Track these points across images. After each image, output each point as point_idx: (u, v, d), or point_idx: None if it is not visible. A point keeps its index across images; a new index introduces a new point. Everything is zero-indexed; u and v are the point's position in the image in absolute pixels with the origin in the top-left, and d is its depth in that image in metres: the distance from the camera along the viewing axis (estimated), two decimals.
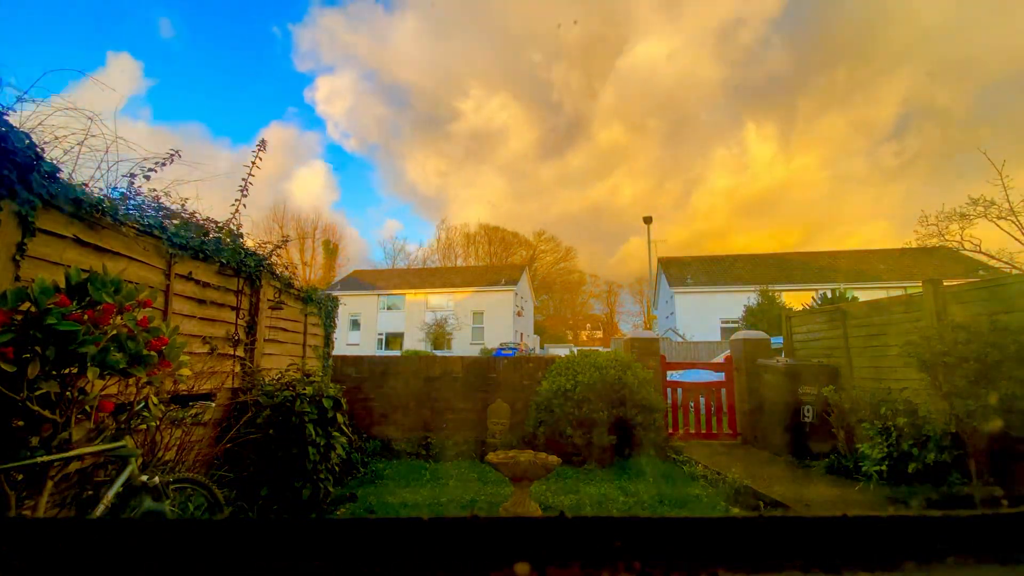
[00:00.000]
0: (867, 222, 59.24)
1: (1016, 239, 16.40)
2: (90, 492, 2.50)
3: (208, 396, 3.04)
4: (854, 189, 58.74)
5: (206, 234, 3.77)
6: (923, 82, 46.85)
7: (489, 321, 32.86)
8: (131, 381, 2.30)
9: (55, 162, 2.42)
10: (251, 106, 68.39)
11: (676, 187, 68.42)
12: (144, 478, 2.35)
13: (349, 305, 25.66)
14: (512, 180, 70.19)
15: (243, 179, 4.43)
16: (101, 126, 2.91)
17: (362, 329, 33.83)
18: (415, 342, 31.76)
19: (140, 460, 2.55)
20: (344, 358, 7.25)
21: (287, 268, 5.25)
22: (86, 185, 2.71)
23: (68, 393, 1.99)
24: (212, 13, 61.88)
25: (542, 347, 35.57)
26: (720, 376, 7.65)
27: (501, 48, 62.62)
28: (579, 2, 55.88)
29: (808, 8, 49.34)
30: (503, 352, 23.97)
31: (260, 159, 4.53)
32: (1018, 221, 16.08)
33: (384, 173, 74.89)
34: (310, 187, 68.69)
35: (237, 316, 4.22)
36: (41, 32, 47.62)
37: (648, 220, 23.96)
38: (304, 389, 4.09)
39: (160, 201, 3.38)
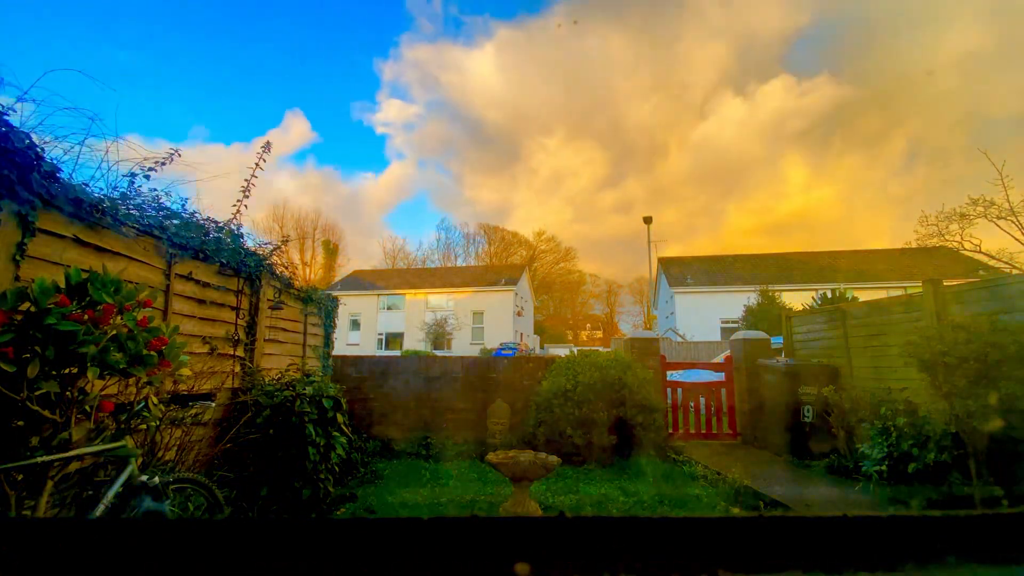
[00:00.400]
0: (869, 239, 62.16)
1: (1016, 239, 16.41)
2: (90, 492, 2.50)
3: (208, 396, 3.03)
4: (862, 215, 63.74)
5: (206, 234, 3.77)
6: (932, 128, 51.98)
7: (489, 321, 32.85)
8: (131, 381, 2.30)
9: (55, 162, 2.42)
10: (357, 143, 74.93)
11: (716, 207, 74.04)
12: (144, 478, 2.35)
13: (349, 305, 25.67)
14: (573, 206, 76.75)
15: (246, 180, 4.44)
16: (101, 126, 2.91)
17: (362, 329, 33.83)
18: (415, 342, 31.75)
19: (140, 460, 2.55)
20: (344, 358, 7.24)
21: (287, 268, 5.25)
22: (86, 185, 2.71)
23: (68, 393, 1.99)
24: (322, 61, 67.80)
25: (542, 347, 35.56)
26: (720, 376, 7.65)
27: (576, 92, 68.28)
28: (657, 75, 62.48)
29: (853, 64, 55.68)
30: (503, 352, 23.96)
31: (264, 160, 4.56)
32: (1018, 221, 16.08)
33: (440, 194, 79.03)
34: (361, 204, 73.21)
35: (237, 316, 4.21)
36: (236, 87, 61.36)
37: (648, 220, 23.96)
38: (304, 389, 4.09)
39: (160, 201, 3.38)
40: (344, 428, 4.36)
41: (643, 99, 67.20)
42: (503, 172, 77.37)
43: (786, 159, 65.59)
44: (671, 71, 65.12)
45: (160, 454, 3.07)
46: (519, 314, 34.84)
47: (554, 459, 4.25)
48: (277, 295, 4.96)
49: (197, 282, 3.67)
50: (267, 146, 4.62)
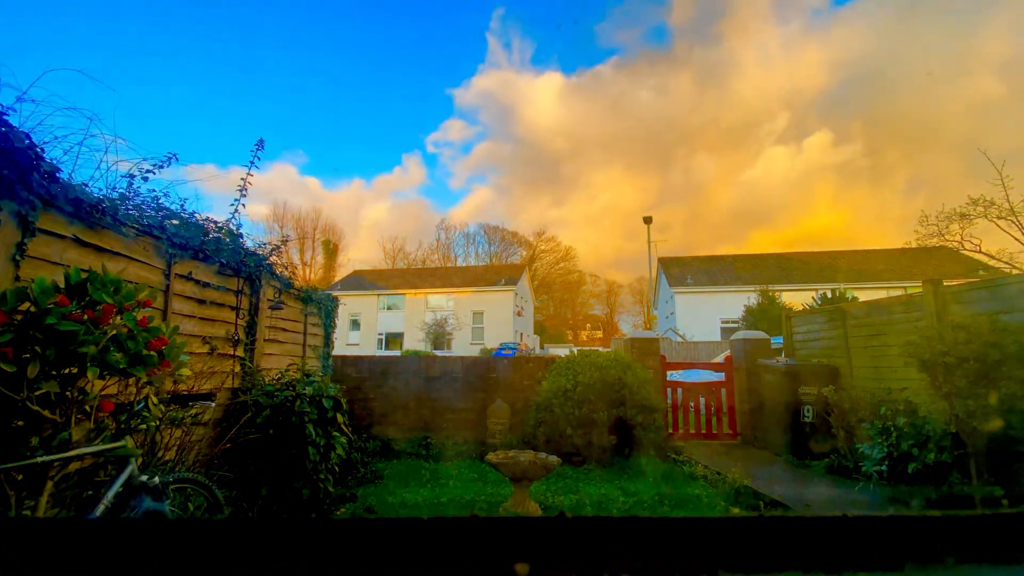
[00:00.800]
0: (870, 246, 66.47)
1: (1016, 239, 16.41)
2: (90, 492, 2.50)
3: (208, 396, 3.03)
4: (864, 233, 66.15)
5: (206, 234, 3.76)
6: (937, 158, 54.76)
7: (489, 321, 32.84)
8: (131, 381, 2.30)
9: (55, 162, 2.41)
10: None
11: (743, 227, 77.19)
12: (144, 478, 2.35)
13: (349, 305, 25.67)
14: (617, 225, 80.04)
15: (242, 179, 4.43)
16: (101, 126, 2.90)
17: (362, 329, 33.82)
18: (415, 342, 31.75)
19: (140, 460, 2.55)
20: (344, 358, 7.24)
21: (287, 268, 5.25)
22: (86, 185, 2.71)
23: (68, 393, 1.99)
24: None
25: (542, 347, 35.57)
26: (720, 376, 7.64)
27: (628, 129, 72.95)
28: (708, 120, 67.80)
29: (879, 113, 58.88)
30: (503, 352, 23.96)
31: (259, 158, 4.56)
32: (1018, 221, 16.08)
33: (495, 212, 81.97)
34: (403, 220, 76.15)
35: (237, 316, 4.21)
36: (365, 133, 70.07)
37: (648, 220, 23.96)
38: (304, 389, 4.09)
39: (160, 201, 3.38)
40: (344, 428, 4.36)
41: (691, 142, 72.46)
42: (555, 193, 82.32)
43: (813, 196, 69.36)
44: (720, 119, 69.94)
45: (160, 454, 3.06)
46: (519, 314, 34.84)
47: (554, 459, 4.25)
48: (277, 295, 4.96)
49: (197, 282, 3.67)
50: (260, 143, 4.62)
